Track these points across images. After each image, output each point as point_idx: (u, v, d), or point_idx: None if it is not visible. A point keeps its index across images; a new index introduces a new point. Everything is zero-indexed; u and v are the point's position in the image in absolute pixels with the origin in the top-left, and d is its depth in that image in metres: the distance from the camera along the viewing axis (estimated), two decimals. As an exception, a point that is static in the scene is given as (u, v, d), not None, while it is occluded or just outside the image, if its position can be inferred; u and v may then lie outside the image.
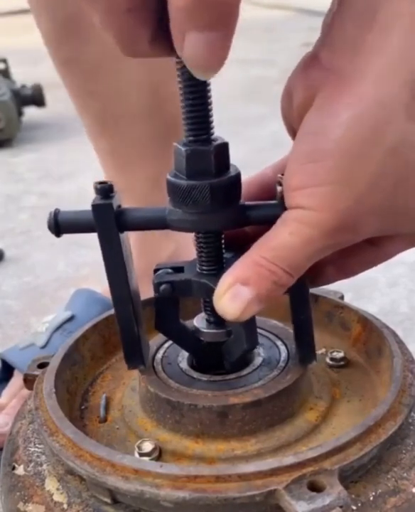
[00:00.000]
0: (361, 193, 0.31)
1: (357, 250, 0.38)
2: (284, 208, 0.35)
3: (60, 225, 0.38)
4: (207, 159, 0.36)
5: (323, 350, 0.47)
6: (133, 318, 0.40)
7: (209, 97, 0.35)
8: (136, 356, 0.42)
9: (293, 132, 0.36)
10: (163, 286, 0.40)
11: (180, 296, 0.41)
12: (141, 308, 0.42)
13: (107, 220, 0.37)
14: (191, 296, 0.42)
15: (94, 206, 0.37)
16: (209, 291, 0.37)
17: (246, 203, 0.38)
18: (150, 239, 0.78)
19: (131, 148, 0.77)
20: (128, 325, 0.40)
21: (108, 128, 0.78)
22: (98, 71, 0.74)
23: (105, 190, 0.37)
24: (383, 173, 0.31)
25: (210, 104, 0.35)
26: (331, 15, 0.32)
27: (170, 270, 0.41)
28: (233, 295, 0.34)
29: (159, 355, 0.44)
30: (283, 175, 0.36)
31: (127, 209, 0.39)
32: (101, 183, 0.37)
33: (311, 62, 0.33)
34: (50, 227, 0.38)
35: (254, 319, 0.40)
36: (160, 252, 0.83)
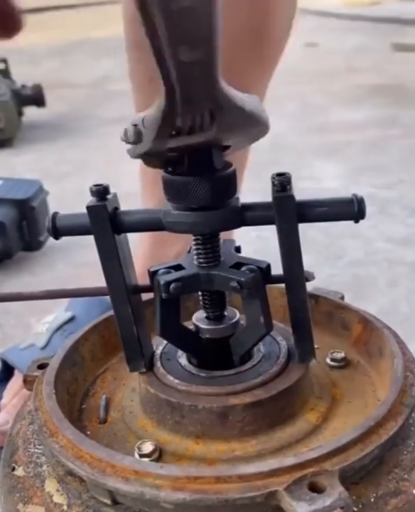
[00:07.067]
0: None
1: None
2: (280, 209, 0.35)
3: (58, 228, 0.39)
4: (207, 154, 0.36)
5: (324, 350, 0.47)
6: (132, 320, 0.40)
7: None
8: (137, 359, 0.41)
9: None
10: (173, 285, 0.39)
11: (189, 292, 0.41)
12: (142, 308, 0.41)
13: (102, 222, 0.38)
14: (200, 291, 0.41)
15: (89, 208, 0.37)
16: (221, 282, 0.37)
17: (243, 203, 0.38)
18: (160, 235, 0.79)
19: None
20: (128, 327, 0.40)
21: None
22: None
23: (100, 192, 0.37)
24: None
25: None
26: None
27: (170, 270, 0.40)
28: None
29: (158, 351, 0.44)
30: (276, 174, 0.36)
31: (123, 211, 0.39)
32: (96, 185, 0.38)
33: None
34: (48, 230, 0.39)
35: (268, 303, 0.40)
36: (171, 247, 0.83)
